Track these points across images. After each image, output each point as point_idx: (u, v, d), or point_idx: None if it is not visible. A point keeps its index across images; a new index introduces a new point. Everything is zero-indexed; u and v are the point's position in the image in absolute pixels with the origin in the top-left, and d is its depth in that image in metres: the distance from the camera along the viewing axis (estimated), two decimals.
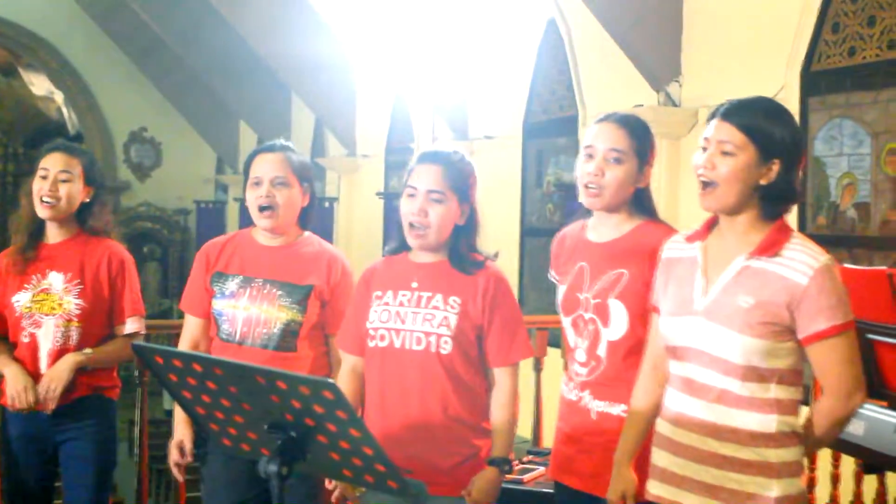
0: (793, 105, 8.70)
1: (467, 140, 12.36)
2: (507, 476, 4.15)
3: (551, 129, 11.46)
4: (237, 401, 2.54)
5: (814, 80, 8.59)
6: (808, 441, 2.83)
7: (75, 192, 4.32)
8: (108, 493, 4.46)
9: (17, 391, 4.05)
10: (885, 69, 7.99)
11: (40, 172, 4.26)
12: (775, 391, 2.76)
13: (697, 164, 2.87)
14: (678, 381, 2.88)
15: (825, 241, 8.48)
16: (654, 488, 2.96)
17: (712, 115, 2.88)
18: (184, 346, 3.90)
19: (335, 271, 3.93)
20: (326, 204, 15.58)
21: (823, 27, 8.53)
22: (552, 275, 3.61)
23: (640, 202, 3.41)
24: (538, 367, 5.03)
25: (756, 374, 2.75)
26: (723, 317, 2.76)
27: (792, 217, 8.38)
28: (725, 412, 2.78)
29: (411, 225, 3.43)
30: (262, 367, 3.04)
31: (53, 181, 4.22)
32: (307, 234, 4.00)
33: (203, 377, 2.55)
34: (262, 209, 3.82)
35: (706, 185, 2.84)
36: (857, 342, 3.12)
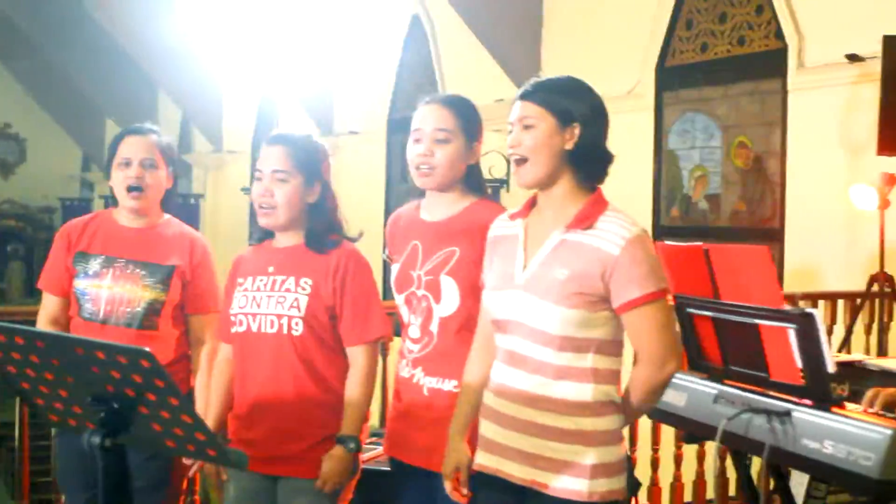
0: (648, 100, 8.95)
1: (332, 135, 12.40)
2: None
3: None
4: (60, 374, 2.51)
5: (668, 76, 8.83)
6: (626, 410, 2.94)
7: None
8: None
9: None
10: (734, 65, 8.26)
11: None
12: (592, 361, 2.84)
13: (508, 146, 2.96)
14: (502, 354, 2.96)
15: (678, 231, 8.74)
16: (479, 458, 3.02)
17: (515, 101, 2.98)
18: (42, 324, 3.83)
19: (196, 252, 3.93)
20: (192, 200, 15.48)
21: (677, 24, 8.78)
22: (386, 255, 3.67)
23: (471, 180, 3.48)
24: (384, 352, 5.09)
25: (573, 345, 2.83)
26: (540, 289, 2.84)
27: (646, 209, 8.74)
28: (544, 382, 2.85)
29: (260, 206, 3.47)
30: (81, 337, 3.03)
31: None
32: (168, 216, 4.03)
33: (26, 350, 2.52)
34: (130, 189, 3.81)
35: (518, 162, 2.93)
36: (677, 315, 3.25)
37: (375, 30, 12.04)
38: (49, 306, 3.96)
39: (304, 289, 3.45)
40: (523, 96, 2.94)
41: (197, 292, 3.90)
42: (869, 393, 3.31)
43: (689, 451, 5.66)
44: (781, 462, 3.10)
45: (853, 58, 7.15)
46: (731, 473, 5.71)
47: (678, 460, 5.65)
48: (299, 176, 3.49)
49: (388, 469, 3.69)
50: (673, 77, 8.73)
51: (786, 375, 2.99)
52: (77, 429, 2.68)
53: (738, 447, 3.20)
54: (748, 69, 8.08)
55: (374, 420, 5.16)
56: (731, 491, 5.80)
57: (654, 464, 5.58)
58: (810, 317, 2.84)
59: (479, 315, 3.19)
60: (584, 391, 2.87)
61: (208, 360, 3.83)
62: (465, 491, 3.10)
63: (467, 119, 3.45)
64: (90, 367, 2.48)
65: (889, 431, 2.66)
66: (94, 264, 3.86)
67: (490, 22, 9.94)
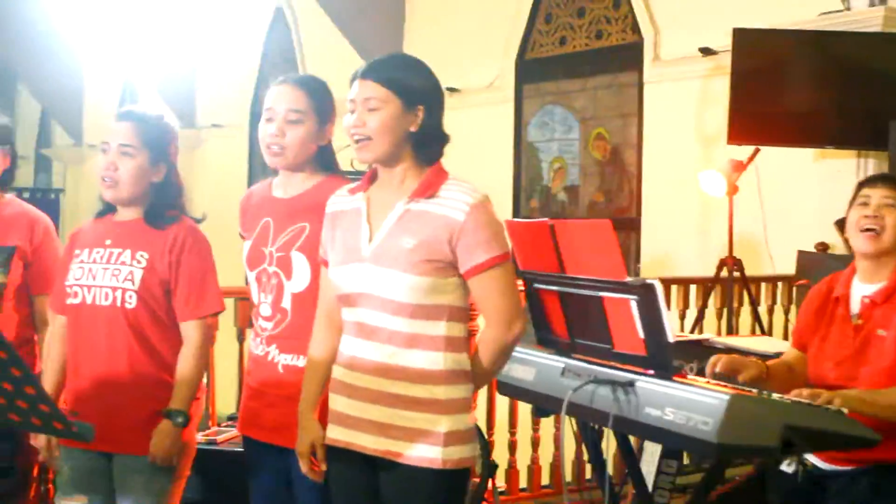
0: (508, 92, 9.05)
1: (195, 128, 12.27)
2: (203, 437, 4.17)
3: None
4: None
5: (528, 68, 8.94)
6: (476, 373, 2.96)
7: None
8: None
9: None
10: (593, 58, 8.40)
11: None
12: (445, 328, 2.87)
13: (348, 125, 2.96)
14: (351, 327, 2.96)
15: None
16: (331, 432, 3.02)
17: (353, 78, 2.98)
18: None
19: (38, 232, 3.86)
20: (52, 195, 15.17)
21: (537, 17, 8.90)
22: (240, 233, 3.65)
23: (323, 159, 3.48)
24: (241, 338, 5.05)
25: (424, 312, 2.85)
26: (388, 259, 2.85)
27: (506, 200, 8.82)
28: (395, 351, 2.86)
29: (103, 179, 3.44)
30: None
31: None
32: (8, 196, 3.93)
33: None
34: None
35: (360, 141, 2.93)
36: (525, 291, 3.30)
37: (237, 22, 11.94)
38: None
39: (139, 262, 3.42)
40: (364, 75, 2.93)
41: (40, 272, 3.84)
42: (712, 358, 3.41)
43: (546, 434, 5.74)
44: (626, 431, 3.16)
45: (706, 51, 7.34)
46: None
47: (535, 443, 5.72)
48: (145, 152, 3.45)
49: (242, 450, 3.67)
50: (532, 70, 8.84)
51: (629, 346, 3.04)
52: None
53: (585, 418, 3.24)
54: (606, 62, 8.23)
55: (231, 406, 5.14)
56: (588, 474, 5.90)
57: (512, 447, 5.64)
58: (651, 287, 2.90)
59: (321, 292, 3.18)
60: (437, 359, 2.88)
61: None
62: (321, 467, 3.09)
63: (320, 100, 3.44)
64: None
65: (726, 397, 2.72)
66: None
67: (353, 14, 9.94)
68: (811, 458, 3.44)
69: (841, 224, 3.55)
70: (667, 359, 2.97)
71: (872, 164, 6.33)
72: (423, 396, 2.88)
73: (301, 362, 3.37)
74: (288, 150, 3.38)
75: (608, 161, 8.20)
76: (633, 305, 2.97)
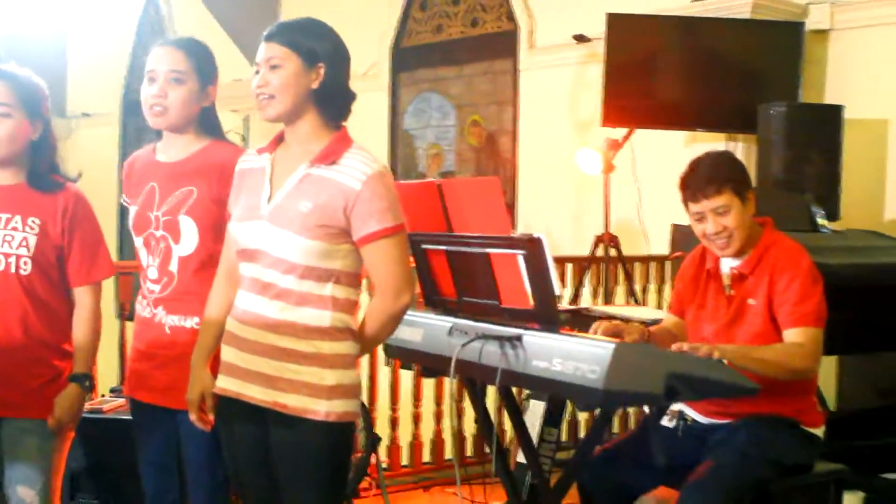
0: (383, 80, 9.09)
1: (65, 118, 12.05)
2: (87, 406, 4.12)
3: None
4: None
5: (403, 56, 8.99)
6: (363, 339, 3.00)
7: None
8: None
9: None
10: (468, 45, 8.49)
11: None
12: (332, 290, 2.89)
13: (253, 86, 2.98)
14: (247, 282, 2.98)
15: None
16: (221, 382, 3.03)
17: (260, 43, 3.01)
18: None
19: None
20: None
21: (412, 5, 8.95)
22: (124, 199, 3.62)
23: (206, 122, 3.48)
24: (122, 314, 4.98)
25: (314, 274, 2.88)
26: (285, 220, 2.88)
27: None
28: (284, 308, 2.89)
29: None
30: None
31: None
32: None
33: None
34: None
35: (264, 100, 2.95)
36: (412, 252, 3.34)
37: (108, 8, 11.76)
38: None
39: (32, 228, 3.37)
40: (268, 38, 2.97)
41: None
42: (594, 325, 3.51)
43: (427, 411, 5.79)
44: (514, 384, 3.22)
45: (581, 38, 7.45)
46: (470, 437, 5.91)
47: (416, 419, 5.76)
48: (21, 113, 3.40)
49: (130, 419, 3.66)
50: (408, 58, 8.89)
51: (516, 301, 3.11)
52: None
53: (473, 375, 3.29)
54: (481, 50, 8.31)
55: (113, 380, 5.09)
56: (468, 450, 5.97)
57: (394, 423, 5.67)
58: (538, 241, 2.97)
59: (223, 247, 3.20)
60: (323, 317, 2.91)
61: None
62: (210, 417, 3.11)
63: (201, 61, 3.45)
64: None
65: (612, 346, 2.80)
66: None
67: (227, 2, 9.89)
68: (690, 413, 3.57)
69: None
70: (554, 311, 3.05)
71: (741, 147, 6.52)
72: (309, 351, 2.92)
73: (188, 323, 3.38)
74: (171, 109, 3.39)
75: (484, 147, 8.29)
76: (521, 260, 3.04)
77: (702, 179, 3.53)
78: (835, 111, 5.87)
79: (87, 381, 3.43)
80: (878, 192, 6.20)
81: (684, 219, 5.80)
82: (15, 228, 3.38)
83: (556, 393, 3.11)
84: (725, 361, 3.05)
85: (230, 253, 3.14)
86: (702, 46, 6.38)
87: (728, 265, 3.58)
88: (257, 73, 2.98)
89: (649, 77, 6.38)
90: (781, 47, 6.29)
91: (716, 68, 6.36)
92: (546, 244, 2.97)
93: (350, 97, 3.04)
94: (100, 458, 3.61)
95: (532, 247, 2.99)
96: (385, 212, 2.89)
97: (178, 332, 3.39)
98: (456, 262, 3.27)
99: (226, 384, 3.04)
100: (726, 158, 3.66)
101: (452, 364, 3.11)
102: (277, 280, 2.93)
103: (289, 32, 2.98)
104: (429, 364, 3.49)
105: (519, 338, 3.04)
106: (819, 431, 3.54)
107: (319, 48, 2.96)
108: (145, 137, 10.68)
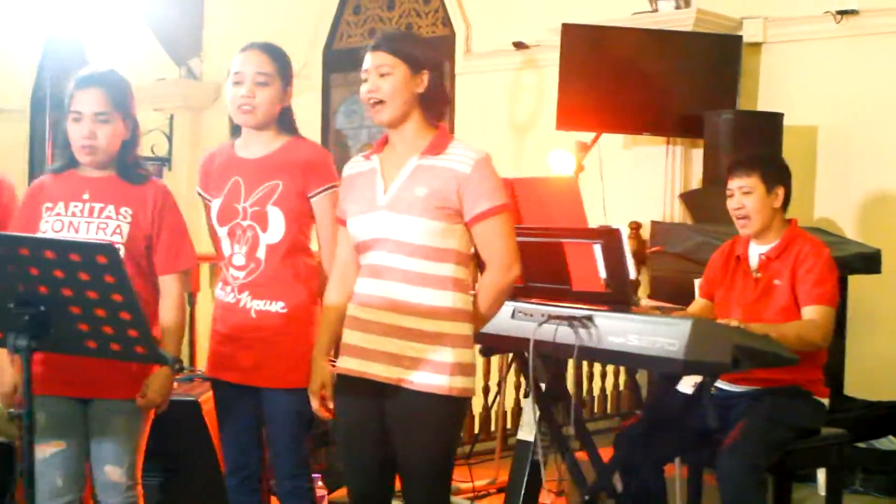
0: (315, 81, 9.38)
1: None
2: None
3: (59, 102, 11.43)
4: None
5: (335, 58, 9.31)
6: (477, 315, 3.36)
7: None
8: None
9: None
10: None
11: None
12: (452, 271, 3.25)
13: (364, 91, 3.33)
14: (367, 270, 3.30)
15: None
16: (345, 363, 3.34)
17: (365, 52, 3.36)
18: None
19: (5, 192, 3.87)
20: None
21: (345, 9, 9.29)
22: (200, 192, 3.90)
23: (286, 120, 3.81)
24: (192, 302, 5.19)
25: (435, 254, 3.22)
26: (403, 206, 3.22)
27: None
28: (409, 289, 3.21)
29: (83, 146, 3.59)
30: (31, 236, 3.12)
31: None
32: None
33: None
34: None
35: (375, 104, 3.31)
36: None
37: (16, 5, 11.74)
38: None
39: (124, 217, 3.61)
40: (375, 47, 3.31)
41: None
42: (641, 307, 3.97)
43: None
44: (591, 359, 3.65)
45: (519, 45, 7.92)
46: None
47: None
48: (117, 114, 3.67)
49: (192, 399, 3.95)
50: (341, 60, 9.22)
51: (587, 285, 3.53)
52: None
53: (548, 352, 3.66)
54: None
55: None
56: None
57: None
58: (616, 232, 3.41)
59: (336, 248, 3.51)
60: (445, 297, 3.24)
61: None
62: (330, 405, 3.42)
63: (283, 64, 3.79)
64: (28, 267, 2.63)
65: (689, 321, 3.25)
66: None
67: (153, 3, 10.04)
68: (717, 382, 4.06)
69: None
70: (628, 293, 3.48)
71: (681, 150, 7.07)
72: (432, 330, 3.23)
73: (273, 307, 3.70)
74: (258, 109, 3.72)
75: None
76: (598, 249, 3.46)
77: (740, 161, 4.09)
78: (776, 118, 6.45)
79: (176, 364, 3.70)
80: (808, 193, 6.80)
81: (643, 216, 6.35)
82: (109, 217, 3.63)
83: (635, 364, 3.54)
84: (773, 335, 3.56)
85: (343, 252, 3.46)
86: (648, 56, 6.89)
87: (757, 252, 4.09)
88: (365, 80, 3.33)
89: (600, 83, 6.86)
90: (720, 58, 6.85)
91: (660, 77, 6.87)
92: (625, 235, 3.40)
93: (448, 101, 3.43)
94: (162, 437, 3.88)
95: (610, 237, 3.41)
96: (494, 191, 3.26)
97: (263, 315, 3.71)
98: (525, 251, 3.65)
99: (349, 364, 3.35)
100: (769, 154, 4.23)
101: (531, 343, 3.52)
102: (400, 263, 3.25)
103: (395, 42, 3.34)
104: (491, 344, 3.86)
105: (590, 317, 3.46)
106: (825, 401, 4.07)
107: (422, 56, 3.34)
108: (58, 135, 10.70)
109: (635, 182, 7.17)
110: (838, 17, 6.68)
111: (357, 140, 9.11)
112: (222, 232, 3.78)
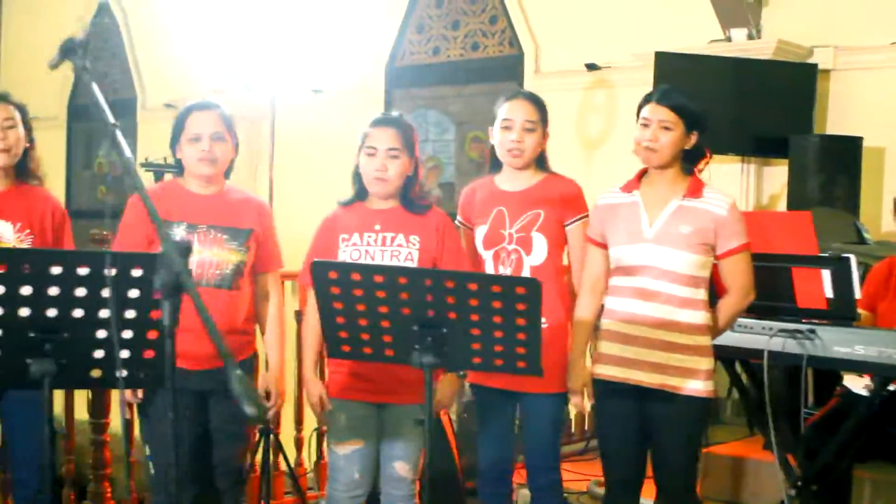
0: (377, 95, 10.04)
1: None
2: None
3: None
4: (393, 305, 3.30)
5: (398, 74, 9.95)
6: (715, 329, 4.07)
7: (20, 137, 4.45)
8: None
9: None
10: (468, 67, 9.55)
11: None
12: (703, 294, 3.97)
13: (641, 137, 4.01)
14: (630, 291, 4.01)
15: None
16: (607, 370, 4.04)
17: (646, 101, 4.04)
18: None
19: (264, 215, 4.42)
20: None
21: (408, 28, 9.96)
22: (460, 221, 4.54)
23: (541, 159, 4.48)
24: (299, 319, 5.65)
25: (694, 281, 3.95)
26: (669, 241, 3.92)
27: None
28: (672, 310, 3.93)
29: (374, 178, 4.21)
30: (448, 271, 3.78)
31: (1, 128, 4.37)
32: (227, 183, 4.44)
33: (362, 286, 3.28)
34: (202, 161, 4.23)
35: (648, 149, 4.00)
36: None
37: (54, 14, 12.24)
38: None
39: (413, 244, 4.22)
40: (660, 100, 4.01)
41: (267, 251, 4.42)
42: None
43: None
44: (819, 367, 4.39)
45: (591, 67, 8.67)
46: None
47: None
48: (406, 152, 4.30)
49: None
50: (404, 76, 9.88)
51: (811, 303, 4.28)
52: (394, 358, 3.47)
53: (778, 361, 4.39)
54: (483, 72, 9.41)
55: None
56: None
57: None
58: (846, 260, 4.16)
59: (587, 266, 4.21)
60: (699, 316, 3.98)
61: (279, 312, 4.46)
62: (591, 402, 4.13)
63: (544, 113, 4.47)
64: (445, 297, 3.30)
65: None
66: (179, 230, 4.25)
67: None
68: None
69: None
70: (853, 309, 4.23)
71: (754, 168, 7.88)
72: (690, 343, 3.97)
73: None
74: (525, 152, 4.39)
75: (485, 161, 9.31)
76: (826, 274, 4.21)
77: None
78: (855, 141, 7.26)
79: (461, 372, 4.30)
80: (877, 209, 7.62)
81: None
82: (400, 245, 4.23)
83: (859, 370, 4.29)
84: None
85: (596, 269, 4.17)
86: (731, 81, 7.67)
87: None
88: (646, 126, 4.03)
89: None
90: (797, 85, 7.65)
91: (742, 100, 7.65)
92: (854, 263, 4.16)
93: (705, 156, 4.14)
94: None
95: (841, 265, 4.17)
96: (742, 232, 4.00)
97: None
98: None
99: (611, 371, 4.07)
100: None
101: (765, 353, 4.27)
102: (665, 288, 3.98)
103: (679, 100, 4.03)
104: (724, 354, 4.53)
105: (813, 331, 4.22)
106: None
107: (695, 118, 4.04)
108: (93, 142, 11.32)
109: None
110: None
111: (422, 152, 9.71)
112: (487, 255, 4.44)
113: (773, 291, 4.37)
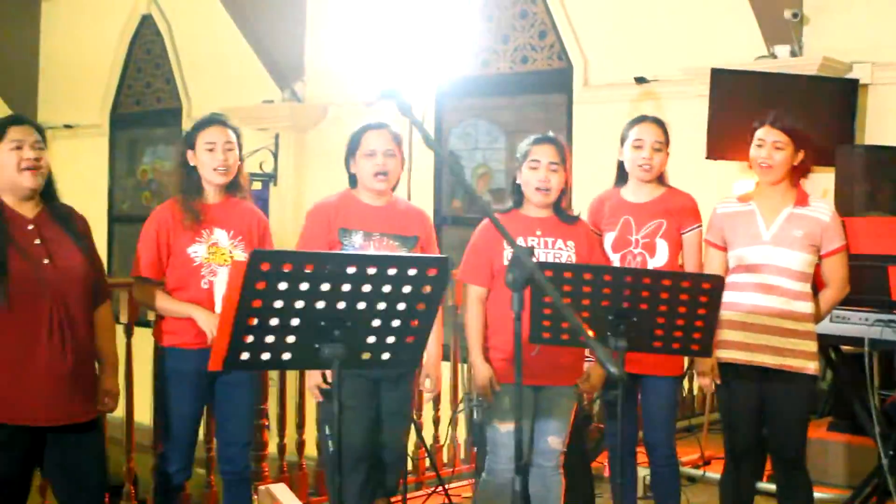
0: (429, 105, 10.74)
1: (45, 127, 13.03)
2: None
3: (147, 120, 12.72)
4: (594, 299, 4.11)
5: (447, 85, 10.72)
6: (815, 318, 4.91)
7: (238, 158, 5.05)
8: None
9: (214, 327, 4.68)
10: (518, 80, 10.33)
11: (206, 146, 4.95)
12: (809, 287, 4.83)
13: (757, 156, 4.84)
14: (751, 286, 4.84)
15: (459, 220, 10.61)
16: (730, 354, 4.88)
17: (761, 124, 4.87)
18: None
19: (427, 223, 5.12)
20: None
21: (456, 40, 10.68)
22: (591, 228, 5.34)
23: (661, 175, 5.28)
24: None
25: (805, 277, 4.82)
26: (786, 242, 4.78)
27: (429, 200, 10.54)
28: (789, 301, 4.78)
29: (537, 189, 4.89)
30: (645, 269, 4.62)
31: (223, 151, 4.95)
32: (394, 194, 5.09)
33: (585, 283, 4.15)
34: (377, 175, 4.87)
35: (764, 166, 4.83)
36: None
37: (94, 24, 12.85)
38: None
39: (570, 248, 4.98)
40: (772, 124, 4.85)
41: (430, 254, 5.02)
42: None
43: None
44: None
45: (640, 80, 9.48)
46: None
47: None
48: (563, 166, 4.96)
49: None
50: (453, 87, 10.61)
51: None
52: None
53: (877, 348, 5.26)
54: (533, 84, 10.19)
55: None
56: None
57: None
58: None
59: (708, 266, 5.03)
60: (808, 307, 4.87)
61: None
62: (718, 381, 4.96)
63: (668, 134, 5.27)
64: (641, 292, 4.12)
65: None
66: (357, 238, 4.91)
67: (258, 23, 11.29)
68: None
69: None
70: None
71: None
72: (802, 329, 4.85)
73: None
74: (653, 169, 5.21)
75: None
76: None
77: None
78: None
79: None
80: None
81: None
82: (560, 248, 4.92)
83: None
84: None
85: (714, 269, 4.99)
86: (780, 95, 8.49)
87: None
88: (760, 147, 4.86)
89: (742, 118, 8.40)
90: (839, 98, 8.50)
91: (790, 113, 8.46)
92: None
93: (809, 170, 4.97)
94: None
95: None
96: (842, 235, 4.88)
97: None
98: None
99: (735, 355, 4.92)
100: None
101: (866, 340, 5.12)
102: (782, 283, 4.83)
103: (787, 123, 4.87)
104: (825, 341, 5.37)
105: None
106: None
107: (804, 139, 4.88)
108: (137, 150, 12.04)
109: None
110: None
111: (472, 160, 10.53)
112: (615, 257, 5.24)
113: (869, 286, 5.20)
